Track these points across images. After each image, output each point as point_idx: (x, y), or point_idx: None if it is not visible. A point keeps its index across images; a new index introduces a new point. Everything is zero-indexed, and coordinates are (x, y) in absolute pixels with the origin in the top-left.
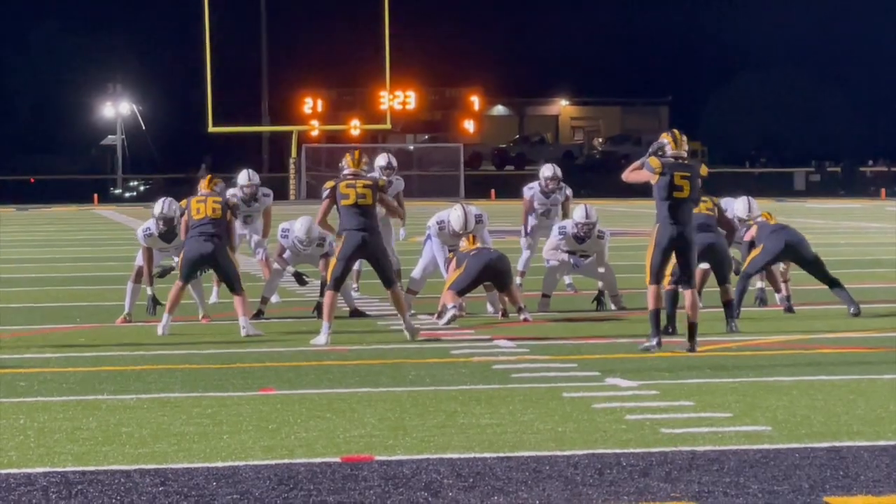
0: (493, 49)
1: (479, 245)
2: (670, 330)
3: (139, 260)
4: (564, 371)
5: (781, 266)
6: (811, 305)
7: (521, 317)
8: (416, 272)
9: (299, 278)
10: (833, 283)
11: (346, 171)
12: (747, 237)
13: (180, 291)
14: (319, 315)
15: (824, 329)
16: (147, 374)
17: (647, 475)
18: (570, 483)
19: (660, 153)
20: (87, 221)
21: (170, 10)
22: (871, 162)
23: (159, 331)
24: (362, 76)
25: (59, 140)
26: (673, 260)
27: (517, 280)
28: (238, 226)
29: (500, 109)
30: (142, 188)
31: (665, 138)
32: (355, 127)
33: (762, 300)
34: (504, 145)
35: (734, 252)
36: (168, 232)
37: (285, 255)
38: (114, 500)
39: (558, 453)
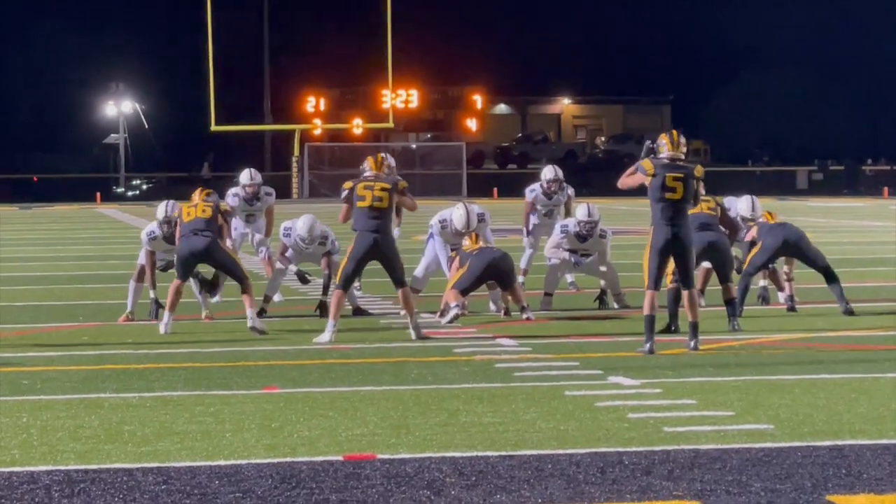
0: (496, 48)
1: (481, 244)
2: (672, 328)
3: (142, 259)
4: (567, 369)
5: (785, 267)
6: (813, 304)
7: (524, 315)
8: (419, 271)
9: (302, 277)
10: (830, 278)
11: (367, 174)
12: (748, 237)
13: (179, 289)
14: (322, 314)
15: (826, 327)
16: (150, 373)
17: (649, 473)
18: (572, 481)
19: (652, 156)
20: (89, 220)
21: (172, 8)
22: (869, 160)
23: (161, 329)
24: (365, 75)
25: (61, 139)
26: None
27: (520, 279)
28: (240, 225)
29: (502, 108)
30: (144, 187)
31: (662, 139)
32: (358, 126)
33: (765, 298)
34: (506, 144)
35: (735, 251)
36: (172, 234)
37: (288, 254)
38: (116, 499)
39: (560, 452)
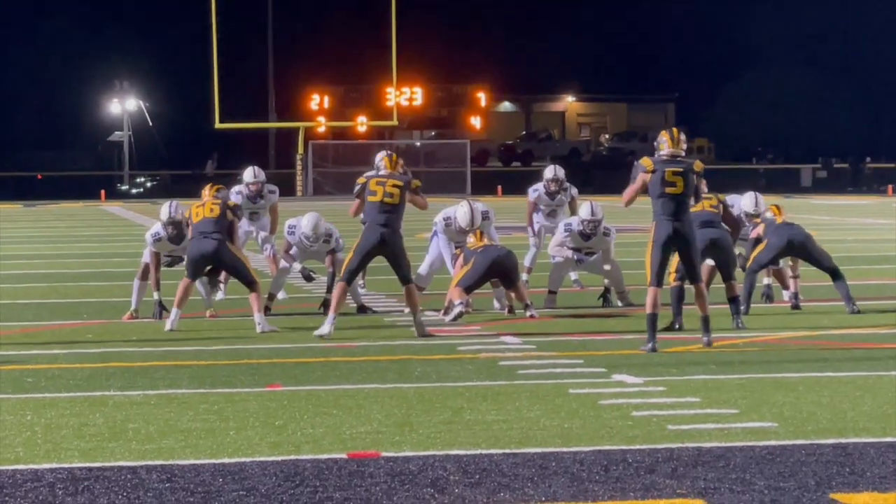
0: (500, 46)
1: (486, 241)
2: (676, 326)
3: (146, 257)
4: (571, 367)
5: (790, 262)
6: (818, 302)
7: (528, 313)
8: (423, 268)
9: (306, 275)
10: (836, 276)
11: (381, 172)
12: (753, 234)
13: (188, 287)
14: (326, 311)
15: (831, 325)
16: (154, 371)
17: (653, 472)
18: (576, 479)
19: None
20: (94, 217)
21: (177, 6)
22: (868, 159)
23: (167, 325)
24: (369, 73)
25: (66, 136)
26: (678, 257)
27: (524, 276)
28: (245, 223)
29: (506, 106)
30: (149, 184)
31: (662, 136)
32: (362, 123)
33: (769, 296)
34: (511, 142)
35: (738, 248)
36: (177, 235)
37: (292, 252)
38: (120, 497)
39: (564, 450)
